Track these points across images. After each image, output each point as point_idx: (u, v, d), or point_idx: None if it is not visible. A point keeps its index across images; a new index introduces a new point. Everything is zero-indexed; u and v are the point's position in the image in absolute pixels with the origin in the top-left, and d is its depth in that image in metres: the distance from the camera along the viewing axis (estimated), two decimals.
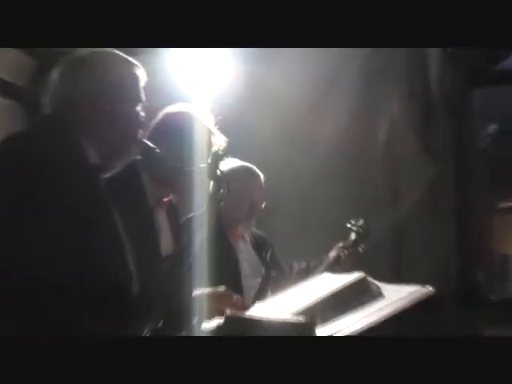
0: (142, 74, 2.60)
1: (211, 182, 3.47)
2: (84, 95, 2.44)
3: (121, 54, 2.57)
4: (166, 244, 2.92)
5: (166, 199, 2.99)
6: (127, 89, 2.53)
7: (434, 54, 4.76)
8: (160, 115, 3.13)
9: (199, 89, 3.75)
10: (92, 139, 2.42)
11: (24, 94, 4.65)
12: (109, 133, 2.47)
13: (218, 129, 3.12)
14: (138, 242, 2.44)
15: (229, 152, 3.54)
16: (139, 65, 2.59)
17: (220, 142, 3.05)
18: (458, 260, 4.52)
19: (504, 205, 4.89)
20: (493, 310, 4.53)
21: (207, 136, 3.01)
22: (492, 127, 5.58)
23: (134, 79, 2.57)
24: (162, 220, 2.96)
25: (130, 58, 2.58)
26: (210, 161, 2.62)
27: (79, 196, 2.22)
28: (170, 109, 3.16)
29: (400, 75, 4.94)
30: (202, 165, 2.74)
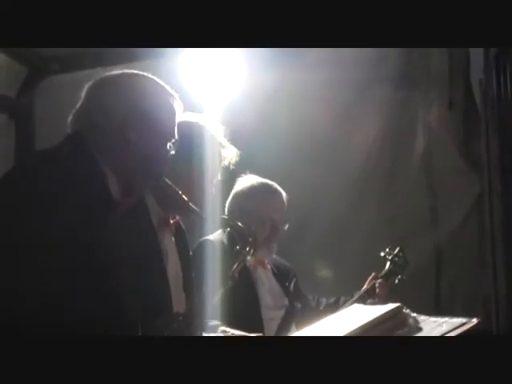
0: (177, 105, 2.54)
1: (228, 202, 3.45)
2: (112, 119, 2.39)
3: (158, 80, 2.52)
4: (173, 269, 2.86)
5: (172, 221, 2.92)
6: (159, 120, 2.46)
7: (475, 58, 4.67)
8: None
9: (213, 97, 3.73)
10: (114, 168, 2.38)
11: (15, 104, 4.70)
12: (132, 166, 2.42)
13: (232, 141, 3.09)
14: (143, 266, 2.46)
15: (245, 167, 3.53)
16: (177, 96, 2.54)
17: (231, 155, 3.03)
18: (506, 288, 4.38)
19: None
20: None
21: (217, 149, 2.98)
22: None
23: (168, 111, 2.51)
24: (168, 242, 2.90)
25: (167, 87, 2.52)
26: (220, 177, 2.61)
27: (94, 231, 2.19)
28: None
29: (439, 81, 4.86)
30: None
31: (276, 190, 3.83)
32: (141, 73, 2.50)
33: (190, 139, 2.81)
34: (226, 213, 3.58)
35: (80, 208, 2.16)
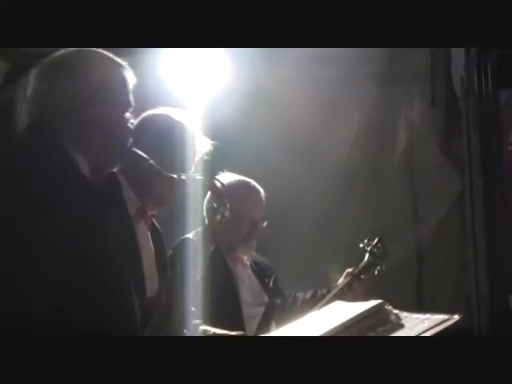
0: (130, 76, 2.53)
1: (207, 196, 3.47)
2: (66, 100, 2.37)
3: (105, 53, 2.51)
4: (148, 260, 2.90)
5: (149, 213, 2.96)
6: (113, 91, 2.46)
7: (456, 55, 4.71)
8: (138, 118, 3.09)
9: (193, 93, 3.74)
10: (81, 149, 2.37)
11: None
12: (97, 141, 2.40)
13: (214, 138, 3.14)
14: (120, 255, 2.41)
15: (227, 164, 3.55)
16: (127, 66, 2.54)
17: (205, 145, 3.06)
18: (486, 284, 4.43)
19: None
20: None
21: (191, 139, 3.01)
22: None
23: (121, 81, 2.50)
24: (144, 237, 2.93)
25: (116, 58, 2.52)
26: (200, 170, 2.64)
27: (72, 212, 2.20)
28: (150, 111, 3.14)
29: (421, 78, 4.91)
30: (198, 176, 2.75)
31: (254, 188, 3.85)
32: (86, 49, 2.49)
33: (162, 128, 2.81)
34: (205, 210, 3.59)
35: (54, 192, 2.19)
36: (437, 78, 4.82)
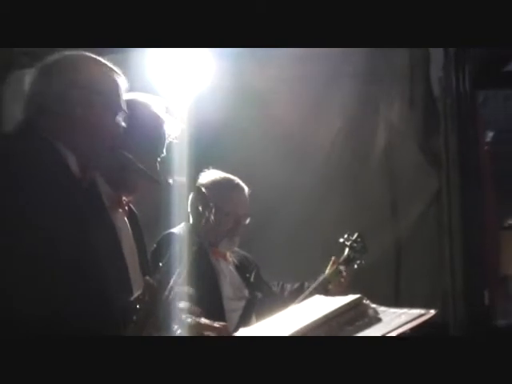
0: (122, 81, 2.62)
1: (192, 195, 3.51)
2: (56, 100, 2.45)
3: (98, 58, 2.59)
4: (127, 246, 2.89)
5: (124, 200, 2.97)
6: (104, 95, 2.53)
7: (435, 56, 4.76)
8: None
9: (181, 91, 3.74)
10: (71, 146, 2.46)
11: None
12: (86, 141, 2.49)
13: (199, 136, 3.16)
14: (99, 251, 2.44)
15: (213, 162, 3.59)
16: (118, 71, 2.61)
17: (175, 129, 3.03)
18: (462, 281, 4.49)
19: None
20: (499, 335, 4.54)
21: (159, 123, 2.98)
22: (501, 133, 5.62)
23: (113, 86, 2.58)
24: (122, 224, 2.93)
25: (106, 62, 2.59)
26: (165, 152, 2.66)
27: (61, 206, 2.29)
28: None
29: (401, 79, 4.98)
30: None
31: (238, 185, 3.90)
32: (80, 52, 2.56)
33: (130, 116, 2.78)
34: (189, 206, 3.62)
35: (43, 189, 2.25)
36: (416, 78, 4.89)
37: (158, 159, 2.92)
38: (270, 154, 4.86)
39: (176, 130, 3.02)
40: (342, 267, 3.95)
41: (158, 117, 2.97)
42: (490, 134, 5.38)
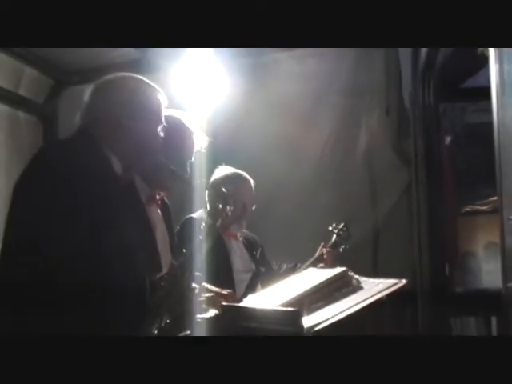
0: (163, 98, 2.63)
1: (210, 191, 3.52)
2: (111, 113, 2.48)
3: (145, 79, 2.61)
4: (161, 234, 2.90)
5: (158, 197, 2.96)
6: (148, 110, 2.56)
7: (406, 74, 4.78)
8: None
9: (193, 96, 3.74)
10: (116, 152, 2.48)
11: (43, 109, 4.74)
12: (130, 147, 2.51)
13: (213, 136, 3.14)
14: (136, 238, 2.44)
15: (221, 158, 3.60)
16: (161, 91, 2.63)
17: (202, 140, 3.04)
18: (428, 257, 4.55)
19: (468, 208, 4.92)
20: (458, 300, 4.60)
21: (190, 135, 3.00)
22: (458, 138, 5.66)
23: (156, 102, 2.60)
24: (156, 216, 2.94)
25: (153, 84, 2.61)
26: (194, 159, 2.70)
27: (104, 202, 2.29)
28: None
29: (378, 92, 4.91)
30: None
31: (246, 178, 3.91)
32: (131, 74, 2.59)
33: (167, 128, 2.84)
34: (206, 196, 3.63)
35: (91, 185, 2.27)
36: (391, 92, 4.82)
37: (188, 163, 2.93)
38: (273, 154, 4.85)
39: (203, 141, 3.04)
40: (328, 249, 3.99)
41: (188, 129, 3.00)
42: (448, 139, 5.40)
